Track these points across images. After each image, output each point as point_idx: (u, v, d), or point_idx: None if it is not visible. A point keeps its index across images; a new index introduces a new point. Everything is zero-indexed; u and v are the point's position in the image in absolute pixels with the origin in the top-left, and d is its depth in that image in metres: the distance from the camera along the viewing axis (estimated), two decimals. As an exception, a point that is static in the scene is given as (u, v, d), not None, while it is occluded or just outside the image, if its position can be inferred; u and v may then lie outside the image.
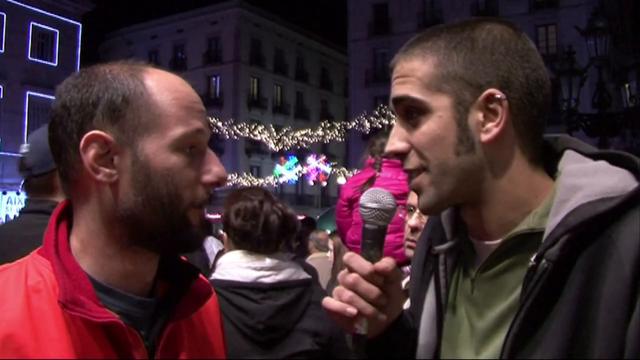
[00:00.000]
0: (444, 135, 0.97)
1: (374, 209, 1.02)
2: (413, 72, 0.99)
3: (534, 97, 0.97)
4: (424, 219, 1.97)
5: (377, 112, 28.34)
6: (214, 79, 41.44)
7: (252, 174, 36.83)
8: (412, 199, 2.11)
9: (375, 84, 33.63)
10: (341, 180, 32.02)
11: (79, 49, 32.09)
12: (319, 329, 2.12)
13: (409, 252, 2.11)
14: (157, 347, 1.00)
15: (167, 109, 0.97)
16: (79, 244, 0.99)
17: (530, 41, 1.01)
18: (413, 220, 2.15)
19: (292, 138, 33.66)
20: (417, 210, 2.11)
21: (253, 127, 33.44)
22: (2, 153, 27.90)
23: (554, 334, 0.86)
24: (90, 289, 0.94)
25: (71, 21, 31.72)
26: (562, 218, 0.88)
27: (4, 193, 20.94)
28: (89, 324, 0.92)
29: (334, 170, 33.09)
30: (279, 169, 33.57)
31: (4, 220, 19.47)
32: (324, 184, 34.88)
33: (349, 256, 1.03)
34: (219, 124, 31.37)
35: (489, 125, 0.96)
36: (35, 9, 29.71)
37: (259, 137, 33.80)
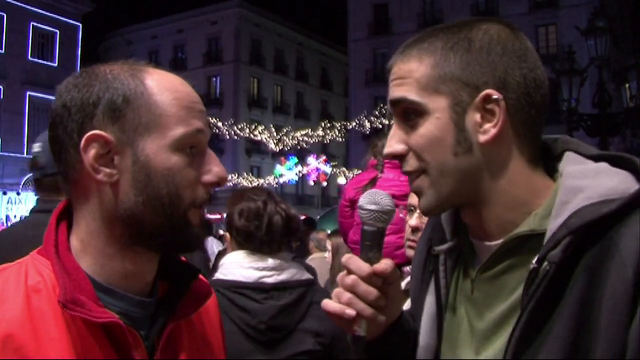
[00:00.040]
0: (441, 136, 0.96)
1: (372, 210, 1.02)
2: (410, 73, 0.99)
3: (531, 97, 0.97)
4: (425, 219, 1.97)
5: (377, 112, 28.35)
6: (214, 79, 41.46)
7: (252, 174, 36.85)
8: (413, 199, 2.11)
9: (375, 84, 33.62)
10: (341, 180, 32.05)
11: (79, 49, 32.12)
12: (321, 329, 2.13)
13: (410, 252, 2.11)
14: (157, 347, 1.00)
15: (167, 109, 0.97)
16: (79, 243, 0.99)
17: (527, 41, 1.00)
18: (413, 220, 2.15)
19: (292, 138, 33.68)
20: (418, 211, 2.11)
21: (253, 127, 33.45)
22: (2, 153, 27.92)
23: (556, 336, 0.86)
24: (90, 289, 0.94)
25: (71, 21, 31.74)
26: (564, 220, 0.88)
27: (4, 193, 20.93)
28: (88, 324, 0.92)
29: (334, 170, 33.10)
30: (279, 169, 33.57)
31: (4, 221, 19.48)
32: (324, 184, 34.89)
33: (348, 258, 1.03)
34: (219, 124, 31.39)
35: (487, 126, 0.96)
36: (36, 9, 29.73)
37: (259, 137, 33.82)
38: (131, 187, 0.95)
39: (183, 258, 1.12)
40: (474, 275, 1.03)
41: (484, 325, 0.99)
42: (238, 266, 2.14)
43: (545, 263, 0.87)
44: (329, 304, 1.02)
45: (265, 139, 33.78)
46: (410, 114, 0.99)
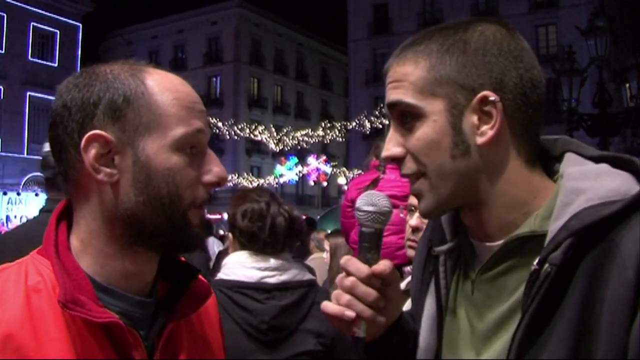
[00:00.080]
0: (439, 139, 0.96)
1: (370, 212, 1.02)
2: (406, 76, 0.99)
3: (528, 98, 0.96)
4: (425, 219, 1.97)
5: (377, 112, 28.34)
6: (214, 79, 41.47)
7: (252, 174, 36.85)
8: (413, 199, 2.11)
9: (375, 84, 33.62)
10: (341, 180, 32.07)
11: (79, 49, 32.14)
12: (323, 330, 2.13)
13: (410, 252, 2.11)
14: (157, 347, 1.00)
15: (168, 109, 0.97)
16: (79, 243, 0.99)
17: (523, 40, 1.00)
18: (414, 220, 2.15)
19: (293, 138, 33.68)
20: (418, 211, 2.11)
21: (253, 127, 33.46)
22: (2, 153, 27.92)
23: (558, 337, 0.85)
24: (90, 289, 0.94)
25: (71, 21, 31.76)
26: (565, 222, 0.88)
27: (5, 193, 20.94)
28: (88, 324, 0.92)
29: (335, 170, 33.10)
30: (279, 169, 33.57)
31: (4, 221, 19.48)
32: (325, 184, 34.89)
33: (346, 260, 1.03)
34: (220, 124, 31.40)
35: (484, 127, 0.95)
36: (36, 10, 29.74)
37: (259, 137, 33.83)
38: (131, 187, 0.95)
39: (182, 258, 1.12)
40: (474, 276, 1.03)
41: (484, 326, 0.98)
42: (240, 266, 2.15)
43: (547, 265, 0.87)
44: (328, 306, 1.02)
45: (266, 139, 33.79)
46: (407, 117, 0.99)
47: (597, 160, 0.97)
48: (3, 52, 28.63)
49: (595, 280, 0.85)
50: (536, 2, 31.10)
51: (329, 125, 33.91)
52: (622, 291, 0.81)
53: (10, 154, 28.16)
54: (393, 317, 1.08)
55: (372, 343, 1.07)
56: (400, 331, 1.11)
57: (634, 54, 11.04)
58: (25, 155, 28.84)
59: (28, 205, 20.85)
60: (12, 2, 28.62)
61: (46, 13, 30.28)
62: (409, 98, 0.98)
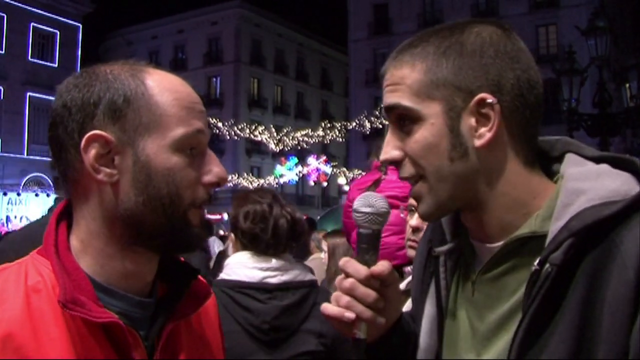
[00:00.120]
0: (437, 142, 0.96)
1: (367, 213, 1.02)
2: (403, 79, 0.99)
3: (525, 99, 0.96)
4: (425, 218, 1.96)
5: (377, 112, 28.37)
6: (214, 79, 41.48)
7: (252, 175, 36.86)
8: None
9: (375, 84, 33.59)
10: (341, 180, 32.09)
11: (80, 49, 32.16)
12: (324, 330, 2.14)
13: (411, 253, 2.11)
14: (157, 347, 1.00)
15: (168, 110, 0.97)
16: (79, 243, 0.99)
17: (520, 41, 1.00)
18: (414, 220, 2.14)
19: (293, 138, 33.69)
20: (418, 210, 2.10)
21: (253, 127, 33.47)
22: (2, 154, 27.92)
23: (558, 338, 0.85)
24: (90, 289, 0.94)
25: (71, 22, 31.78)
26: (566, 222, 0.88)
27: (5, 194, 20.95)
28: (88, 324, 0.92)
29: (335, 170, 33.11)
30: (279, 169, 33.58)
31: (4, 221, 19.49)
32: (325, 184, 34.90)
33: (345, 261, 1.03)
34: (220, 124, 31.41)
35: (482, 130, 0.95)
36: (36, 10, 29.76)
37: (259, 138, 33.85)
38: (131, 187, 0.95)
39: (182, 258, 1.11)
40: (474, 276, 1.02)
41: (485, 326, 0.98)
42: (242, 266, 2.16)
43: (547, 265, 0.87)
44: (328, 308, 1.02)
45: (266, 139, 33.80)
46: (404, 120, 0.99)
47: (597, 160, 0.97)
48: (3, 52, 28.65)
49: (595, 280, 0.84)
50: (536, 2, 31.11)
51: (329, 125, 33.92)
52: (622, 291, 0.81)
53: (10, 155, 28.17)
54: (393, 318, 1.08)
55: (373, 344, 1.07)
56: (400, 332, 1.11)
57: (634, 54, 11.05)
58: (25, 155, 28.86)
59: (28, 205, 20.87)
60: (12, 2, 28.64)
61: (46, 13, 30.30)
62: (406, 101, 0.98)
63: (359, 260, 1.02)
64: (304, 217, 2.48)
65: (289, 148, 34.19)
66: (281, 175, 33.19)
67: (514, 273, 0.96)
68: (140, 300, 1.01)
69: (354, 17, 36.98)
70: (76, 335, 0.91)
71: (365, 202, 1.03)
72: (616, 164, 0.94)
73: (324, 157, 34.08)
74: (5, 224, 19.19)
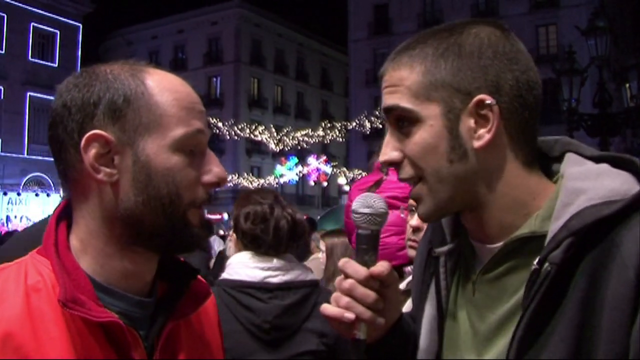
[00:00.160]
0: (436, 144, 0.96)
1: (366, 214, 1.03)
2: (401, 81, 0.99)
3: (524, 100, 0.96)
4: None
5: (377, 112, 28.34)
6: (214, 79, 41.48)
7: (252, 175, 36.87)
8: (413, 199, 2.10)
9: (375, 84, 33.41)
10: (341, 180, 32.10)
11: (80, 49, 32.16)
12: (325, 330, 2.15)
13: (411, 252, 2.11)
14: (156, 347, 1.00)
15: (167, 110, 0.97)
16: (78, 243, 0.99)
17: (518, 42, 1.00)
18: (414, 220, 2.14)
19: (293, 138, 33.70)
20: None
21: (254, 127, 33.48)
22: (2, 154, 27.92)
23: (558, 337, 0.85)
24: (90, 289, 0.94)
25: (71, 22, 31.78)
26: (565, 221, 0.88)
27: (5, 194, 20.95)
28: (88, 324, 0.92)
29: (335, 170, 33.11)
30: (279, 169, 33.59)
31: (4, 221, 19.49)
32: (325, 184, 34.91)
33: (344, 262, 1.03)
34: (220, 124, 31.42)
35: (481, 131, 0.95)
36: (36, 10, 29.76)
37: (259, 138, 33.85)
38: (131, 187, 0.95)
39: (182, 258, 1.12)
40: (475, 277, 1.02)
41: (485, 327, 0.98)
42: (244, 266, 2.18)
43: (547, 264, 0.87)
44: (327, 308, 1.02)
45: (266, 139, 33.80)
46: (403, 122, 0.99)
47: (597, 160, 0.97)
48: (3, 52, 28.65)
49: (595, 280, 0.84)
50: (536, 2, 31.10)
51: (329, 125, 33.93)
52: (622, 291, 0.81)
53: (10, 154, 28.17)
54: (393, 319, 1.08)
55: (373, 345, 1.07)
56: (400, 332, 1.10)
57: (634, 54, 11.05)
58: (25, 155, 28.86)
59: (28, 205, 20.87)
60: (12, 2, 28.64)
61: (46, 13, 30.30)
62: (405, 103, 0.97)
63: (359, 260, 1.02)
64: (305, 217, 2.49)
65: (289, 148, 34.20)
66: (281, 175, 33.20)
67: (515, 273, 0.96)
68: (140, 300, 1.01)
69: (354, 17, 36.98)
70: (76, 334, 0.91)
71: (364, 203, 1.03)
72: (616, 163, 0.94)
73: (324, 157, 34.10)
74: (6, 224, 19.19)
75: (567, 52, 10.20)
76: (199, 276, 1.11)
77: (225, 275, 2.21)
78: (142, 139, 0.96)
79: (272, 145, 34.02)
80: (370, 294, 1.00)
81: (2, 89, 28.61)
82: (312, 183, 34.48)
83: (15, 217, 20.12)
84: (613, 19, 11.63)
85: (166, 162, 0.96)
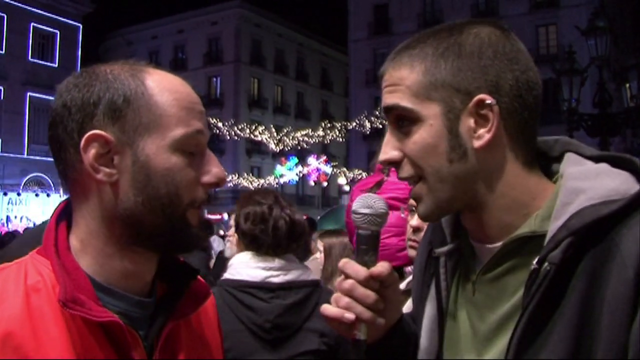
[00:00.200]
0: (435, 143, 0.96)
1: (366, 214, 1.03)
2: (402, 80, 0.99)
3: (524, 100, 0.96)
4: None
5: (377, 112, 28.37)
6: (214, 79, 41.48)
7: (252, 175, 36.86)
8: (413, 199, 2.10)
9: (375, 84, 33.47)
10: (342, 180, 32.09)
11: (80, 49, 32.17)
12: (327, 330, 2.15)
13: (412, 252, 2.11)
14: (156, 347, 1.00)
15: (167, 110, 0.97)
16: (78, 243, 0.99)
17: (518, 42, 1.00)
18: (415, 220, 2.14)
19: (293, 138, 33.70)
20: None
21: (254, 127, 33.47)
22: (2, 154, 27.92)
23: (557, 336, 0.86)
24: (90, 289, 0.94)
25: (71, 22, 31.78)
26: (565, 221, 0.88)
27: (5, 194, 20.95)
28: (88, 323, 0.92)
29: (335, 170, 33.11)
30: (279, 169, 33.58)
31: (4, 221, 19.48)
32: (325, 184, 34.90)
33: (345, 262, 1.03)
34: (220, 124, 31.41)
35: (481, 131, 0.95)
36: (36, 10, 29.76)
37: (259, 138, 33.85)
38: (131, 187, 0.95)
39: (182, 258, 1.12)
40: (475, 277, 1.02)
41: (485, 327, 0.98)
42: (245, 266, 2.20)
43: (546, 264, 0.87)
44: (327, 309, 1.02)
45: (266, 139, 33.80)
46: (403, 121, 0.99)
47: (596, 160, 0.97)
48: (3, 52, 28.66)
49: (595, 279, 0.84)
50: (536, 2, 31.10)
51: (329, 125, 33.93)
52: (622, 290, 0.81)
53: (10, 155, 28.18)
54: (393, 319, 1.08)
55: (373, 345, 1.07)
56: (401, 333, 1.10)
57: (634, 54, 11.05)
58: (25, 155, 28.87)
59: (28, 205, 20.86)
60: (12, 2, 28.64)
61: (46, 13, 30.30)
62: (405, 102, 0.98)
63: (359, 261, 1.02)
64: (305, 218, 2.50)
65: (289, 148, 34.20)
66: (281, 175, 33.18)
67: (514, 273, 0.96)
68: (139, 299, 1.01)
69: (354, 17, 36.98)
70: (76, 334, 0.91)
71: (364, 204, 1.03)
72: (615, 163, 0.94)
73: (324, 157, 34.08)
74: (6, 224, 19.19)
75: (567, 52, 10.20)
76: (199, 276, 1.11)
77: (227, 275, 2.23)
78: (141, 139, 0.96)
79: (272, 146, 34.02)
80: (370, 295, 1.00)
81: (2, 89, 28.62)
82: (312, 183, 34.47)
83: (16, 217, 20.11)
84: (613, 19, 11.64)
85: (166, 163, 0.96)
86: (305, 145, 33.74)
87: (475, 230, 1.03)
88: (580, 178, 0.93)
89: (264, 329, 2.11)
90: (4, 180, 25.31)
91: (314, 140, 33.43)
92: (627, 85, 10.65)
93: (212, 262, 6.38)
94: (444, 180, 0.97)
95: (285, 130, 35.43)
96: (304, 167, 32.94)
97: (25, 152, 29.06)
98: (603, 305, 0.83)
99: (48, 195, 21.61)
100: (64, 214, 1.03)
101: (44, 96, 27.78)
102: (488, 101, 0.94)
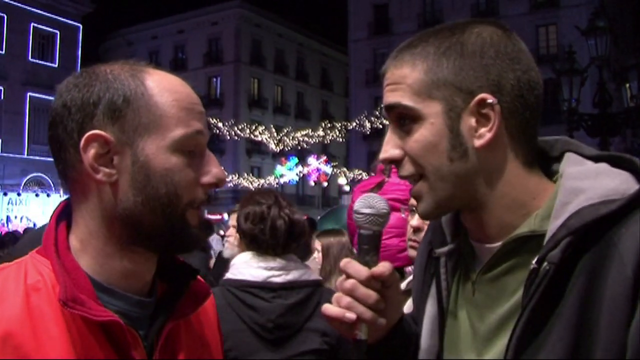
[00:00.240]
0: (436, 142, 0.96)
1: (368, 214, 1.03)
2: (403, 79, 0.99)
3: (525, 99, 0.97)
4: (426, 218, 1.96)
5: (377, 113, 28.38)
6: (214, 79, 41.48)
7: (252, 175, 36.87)
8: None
9: (375, 84, 33.59)
10: (342, 180, 32.09)
11: (80, 49, 32.17)
12: (328, 329, 2.16)
13: (412, 253, 2.12)
14: (156, 347, 1.00)
15: (167, 110, 0.97)
16: (78, 243, 0.99)
17: (520, 42, 1.00)
18: (415, 220, 2.15)
19: (293, 138, 33.70)
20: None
21: (254, 127, 33.47)
22: (2, 154, 27.93)
23: (556, 336, 0.86)
24: (89, 288, 0.94)
25: (72, 22, 31.78)
26: (564, 220, 0.88)
27: (5, 194, 20.94)
28: (88, 323, 0.92)
29: (335, 170, 33.11)
30: (279, 169, 33.58)
31: (4, 222, 19.48)
32: (325, 184, 34.90)
33: (346, 262, 1.03)
34: (220, 124, 31.41)
35: (482, 130, 0.95)
36: (36, 10, 29.76)
37: (259, 138, 33.85)
38: (130, 187, 0.95)
39: (181, 258, 1.12)
40: (474, 277, 1.03)
41: (485, 326, 0.98)
42: (247, 266, 2.21)
43: (545, 263, 0.87)
44: (329, 309, 1.02)
45: (266, 139, 33.80)
46: (404, 119, 0.99)
47: (596, 159, 0.97)
48: (3, 52, 28.66)
49: (594, 278, 0.85)
50: (536, 2, 31.11)
51: (329, 125, 33.94)
52: (620, 290, 0.81)
53: (10, 155, 28.18)
54: (394, 319, 1.08)
55: (374, 345, 1.07)
56: (401, 333, 1.11)
57: (634, 54, 11.05)
58: (25, 155, 28.87)
59: (28, 205, 20.86)
60: (12, 2, 28.64)
61: (46, 14, 30.30)
62: (406, 100, 0.98)
63: (360, 261, 1.02)
64: (305, 218, 2.50)
65: (289, 148, 34.20)
66: (281, 176, 33.18)
67: (514, 272, 0.96)
68: (139, 299, 1.01)
69: (354, 17, 36.99)
70: (76, 334, 0.91)
71: (366, 204, 1.03)
72: (615, 163, 0.94)
73: (324, 157, 34.08)
74: (6, 224, 19.18)
75: (567, 52, 10.20)
76: (199, 276, 1.11)
77: (229, 275, 2.25)
78: (141, 139, 0.96)
79: (272, 146, 34.02)
80: (371, 295, 1.00)
81: (2, 89, 28.62)
82: (312, 183, 34.47)
83: (16, 217, 20.11)
84: (613, 19, 11.65)
85: (165, 163, 0.96)
86: (305, 146, 33.74)
87: (475, 230, 1.03)
88: (579, 178, 0.93)
89: (266, 329, 2.13)
90: (4, 181, 25.31)
91: (314, 140, 33.44)
92: (627, 85, 10.65)
93: (212, 262, 6.37)
94: (444, 179, 0.97)
95: (285, 130, 35.43)
96: (304, 167, 32.94)
97: (26, 152, 29.06)
98: (602, 305, 0.83)
99: (48, 195, 21.61)
100: (64, 214, 1.03)
101: (44, 96, 27.78)
102: (489, 100, 0.94)
